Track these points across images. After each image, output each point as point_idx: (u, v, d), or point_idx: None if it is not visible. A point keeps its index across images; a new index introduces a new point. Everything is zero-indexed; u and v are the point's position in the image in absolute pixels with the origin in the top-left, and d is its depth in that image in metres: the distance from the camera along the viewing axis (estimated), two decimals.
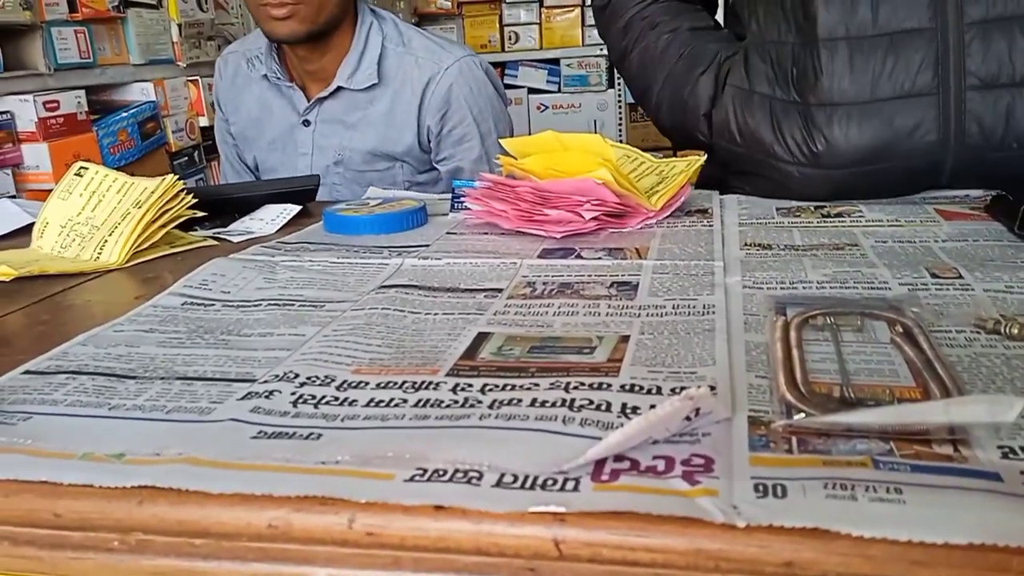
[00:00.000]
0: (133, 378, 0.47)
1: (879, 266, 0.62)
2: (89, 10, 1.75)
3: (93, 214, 0.79)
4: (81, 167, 0.82)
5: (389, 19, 1.30)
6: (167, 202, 0.80)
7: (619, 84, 3.50)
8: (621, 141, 3.63)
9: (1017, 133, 0.79)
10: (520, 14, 3.60)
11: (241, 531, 0.35)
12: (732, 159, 0.94)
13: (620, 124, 3.54)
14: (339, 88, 1.26)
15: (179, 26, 2.01)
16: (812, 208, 0.82)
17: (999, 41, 0.78)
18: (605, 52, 3.48)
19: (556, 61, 3.60)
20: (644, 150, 0.92)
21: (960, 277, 0.58)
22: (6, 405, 0.43)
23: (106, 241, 0.76)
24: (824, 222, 0.77)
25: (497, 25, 3.62)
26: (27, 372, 0.48)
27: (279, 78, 1.29)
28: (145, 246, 0.77)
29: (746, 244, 0.70)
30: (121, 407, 0.43)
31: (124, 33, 1.88)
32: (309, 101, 1.28)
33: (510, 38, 3.62)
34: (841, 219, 0.77)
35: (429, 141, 1.29)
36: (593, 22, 3.46)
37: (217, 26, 2.16)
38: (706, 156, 0.90)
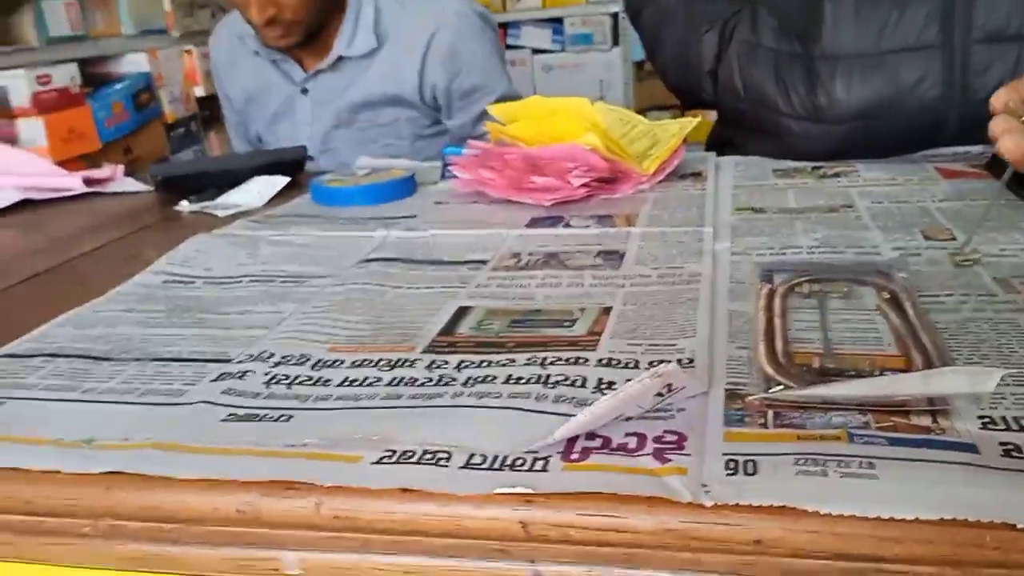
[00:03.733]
0: (109, 360, 0.46)
1: (872, 228, 0.60)
2: None
3: None
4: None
5: None
6: None
7: (625, 42, 3.44)
8: (627, 101, 3.55)
9: None
10: None
11: (209, 516, 0.34)
12: (737, 116, 0.93)
13: (627, 83, 3.49)
14: (340, 58, 1.23)
15: None
16: (809, 168, 0.81)
17: None
18: (610, 10, 3.42)
19: (560, 20, 3.53)
20: (651, 108, 0.92)
21: (954, 239, 0.57)
22: None
23: None
24: (820, 183, 0.75)
25: None
26: (7, 355, 0.48)
27: (272, 53, 1.27)
28: None
29: (738, 208, 0.69)
30: (93, 391, 0.42)
31: (116, 3, 1.85)
32: (306, 71, 1.27)
33: None
34: (838, 179, 0.76)
35: (435, 99, 1.27)
36: None
37: None
38: (700, 118, 0.88)
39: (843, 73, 0.80)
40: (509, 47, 3.55)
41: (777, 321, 0.44)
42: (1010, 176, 0.57)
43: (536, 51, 3.54)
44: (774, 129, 0.86)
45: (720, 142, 0.96)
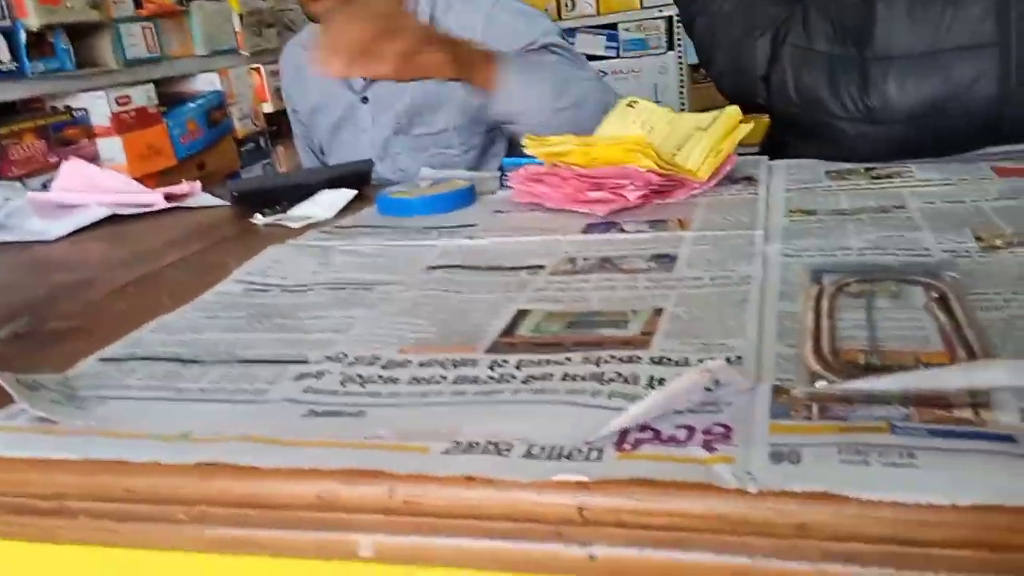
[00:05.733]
0: (197, 363, 0.50)
1: (923, 229, 0.61)
2: (154, 5, 1.81)
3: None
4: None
5: None
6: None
7: (679, 46, 3.44)
8: (683, 104, 3.52)
9: None
10: None
11: (293, 502, 0.38)
12: (790, 120, 0.94)
13: (682, 88, 3.48)
14: None
15: (240, 16, 2.07)
16: (863, 170, 0.81)
17: None
18: (664, 14, 3.43)
19: (614, 26, 3.55)
20: (706, 111, 0.90)
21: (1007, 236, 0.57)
22: (82, 391, 0.47)
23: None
24: (873, 184, 0.76)
25: None
26: (103, 360, 0.52)
27: None
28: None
29: (791, 211, 0.70)
30: (187, 391, 0.46)
31: (189, 26, 1.94)
32: (365, 80, 1.31)
33: (566, 5, 3.58)
34: (891, 180, 0.76)
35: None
36: None
37: (276, 12, 2.21)
38: (752, 123, 0.89)
39: (896, 74, 0.81)
40: None
41: (824, 320, 0.46)
42: None
43: (591, 57, 3.56)
44: (828, 132, 0.87)
45: (774, 145, 0.97)
